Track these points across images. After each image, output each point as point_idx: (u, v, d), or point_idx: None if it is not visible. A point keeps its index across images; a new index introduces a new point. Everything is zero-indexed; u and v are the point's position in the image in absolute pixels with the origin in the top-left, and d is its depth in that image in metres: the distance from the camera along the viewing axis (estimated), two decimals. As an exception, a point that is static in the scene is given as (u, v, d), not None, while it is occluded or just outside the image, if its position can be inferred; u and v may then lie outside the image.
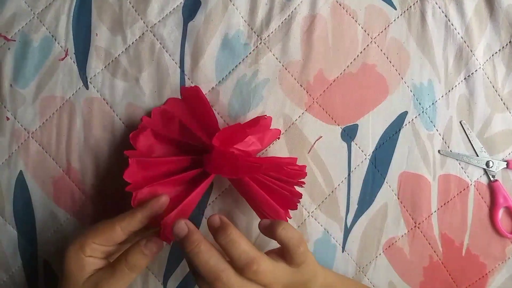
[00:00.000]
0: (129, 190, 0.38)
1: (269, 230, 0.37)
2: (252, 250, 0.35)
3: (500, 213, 0.47)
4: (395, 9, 0.46)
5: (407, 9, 0.46)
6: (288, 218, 0.42)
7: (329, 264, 0.47)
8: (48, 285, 0.46)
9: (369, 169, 0.47)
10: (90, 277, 0.36)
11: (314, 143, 0.46)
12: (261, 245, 0.46)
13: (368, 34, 0.46)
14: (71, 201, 0.45)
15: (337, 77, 0.46)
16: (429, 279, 0.48)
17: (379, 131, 0.47)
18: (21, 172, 0.45)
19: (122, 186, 0.44)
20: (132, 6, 0.45)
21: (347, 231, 0.47)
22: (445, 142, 0.47)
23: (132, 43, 0.45)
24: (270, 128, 0.45)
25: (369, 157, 0.47)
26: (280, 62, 0.45)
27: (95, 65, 0.45)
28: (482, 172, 0.47)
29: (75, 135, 0.45)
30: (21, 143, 0.45)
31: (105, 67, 0.45)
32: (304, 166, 0.43)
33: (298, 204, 0.42)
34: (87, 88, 0.45)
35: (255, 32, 0.45)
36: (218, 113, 0.45)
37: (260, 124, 0.42)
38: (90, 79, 0.45)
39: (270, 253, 0.37)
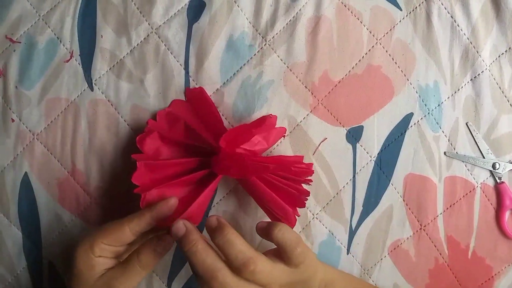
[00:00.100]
0: (138, 192, 0.38)
1: (265, 232, 0.37)
2: (249, 250, 0.35)
3: (507, 215, 0.47)
4: (401, 10, 0.46)
5: (413, 10, 0.46)
6: (296, 216, 0.42)
7: (334, 266, 0.47)
8: (53, 287, 0.46)
9: (374, 171, 0.46)
10: (101, 276, 0.37)
11: (319, 144, 0.46)
12: (265, 247, 0.45)
13: (374, 35, 0.46)
14: (76, 203, 0.45)
15: (342, 78, 0.46)
16: (435, 282, 0.48)
17: (385, 132, 0.46)
18: (26, 173, 0.45)
19: (126, 188, 0.44)
20: (137, 8, 0.45)
21: (352, 233, 0.47)
22: (451, 144, 0.47)
23: (137, 44, 0.45)
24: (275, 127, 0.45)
25: (375, 158, 0.46)
26: (284, 63, 0.45)
27: (100, 66, 0.45)
28: (488, 174, 0.47)
29: (80, 136, 0.45)
30: (26, 145, 0.45)
31: (110, 68, 0.45)
32: (311, 164, 0.43)
33: (305, 202, 0.42)
34: (92, 90, 0.45)
35: (260, 34, 0.45)
36: (222, 115, 0.45)
37: (266, 123, 0.42)
38: (95, 80, 0.45)
39: (268, 254, 0.37)
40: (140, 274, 0.37)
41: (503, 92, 0.47)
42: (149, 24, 0.45)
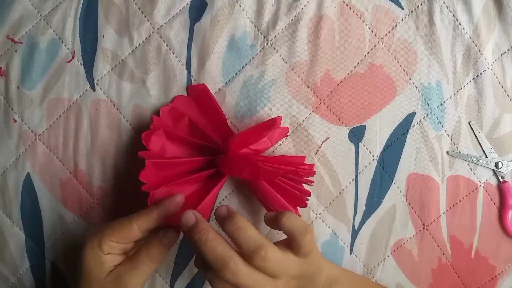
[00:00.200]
0: (145, 190, 0.39)
1: (274, 222, 0.37)
2: (260, 237, 0.35)
3: (510, 215, 0.47)
4: (403, 9, 0.46)
5: (415, 9, 0.46)
6: None
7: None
8: (56, 287, 0.46)
9: (377, 170, 0.46)
10: (111, 272, 0.37)
11: (321, 144, 0.46)
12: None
13: (375, 34, 0.46)
14: (79, 203, 0.45)
15: (344, 77, 0.46)
16: (438, 281, 0.48)
17: (387, 132, 0.46)
18: (28, 174, 0.45)
19: (129, 188, 0.44)
20: (139, 8, 0.45)
21: (355, 233, 0.47)
22: (454, 143, 0.47)
23: (139, 44, 0.45)
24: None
25: (377, 158, 0.46)
26: (286, 63, 0.45)
27: (102, 67, 0.45)
28: (491, 173, 0.47)
29: (82, 137, 0.45)
30: (28, 145, 0.45)
31: (111, 69, 0.45)
32: (312, 165, 0.44)
33: (307, 201, 0.43)
34: (94, 90, 0.45)
35: (261, 33, 0.45)
36: (224, 114, 0.45)
37: (276, 125, 0.42)
38: (97, 81, 0.45)
39: (278, 244, 0.37)
40: (150, 267, 0.38)
41: (505, 91, 0.46)
42: (150, 24, 0.45)
